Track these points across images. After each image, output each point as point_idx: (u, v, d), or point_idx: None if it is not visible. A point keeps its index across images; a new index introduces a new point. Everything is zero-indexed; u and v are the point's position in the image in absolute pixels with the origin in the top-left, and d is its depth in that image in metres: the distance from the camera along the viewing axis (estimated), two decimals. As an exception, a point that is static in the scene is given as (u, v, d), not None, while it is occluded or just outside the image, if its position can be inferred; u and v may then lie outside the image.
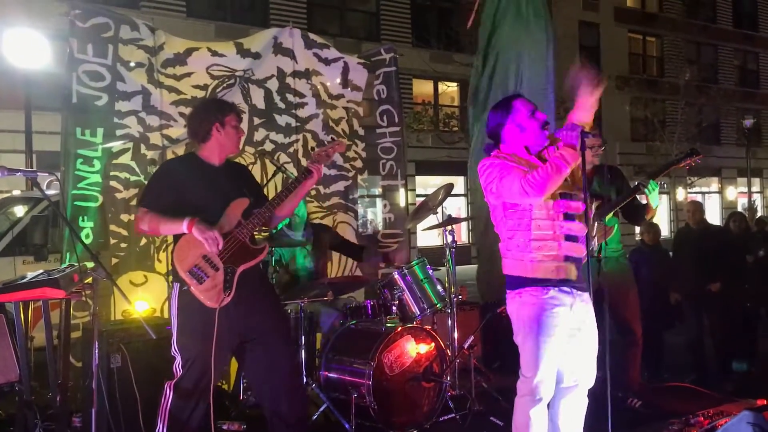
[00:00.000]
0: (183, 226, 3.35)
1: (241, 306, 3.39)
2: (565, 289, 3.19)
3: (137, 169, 5.20)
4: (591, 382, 3.36)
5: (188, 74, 5.52)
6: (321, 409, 4.42)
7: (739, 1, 32.41)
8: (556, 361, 3.21)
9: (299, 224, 5.08)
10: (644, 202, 4.58)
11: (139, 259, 5.19)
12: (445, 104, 24.35)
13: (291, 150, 6.09)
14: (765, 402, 3.84)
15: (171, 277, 4.49)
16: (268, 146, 5.97)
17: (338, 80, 6.44)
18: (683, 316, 6.92)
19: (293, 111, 6.15)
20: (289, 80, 6.12)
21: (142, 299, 4.79)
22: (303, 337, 4.54)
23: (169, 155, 5.22)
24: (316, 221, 5.90)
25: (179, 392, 3.36)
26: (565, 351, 3.23)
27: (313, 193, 6.24)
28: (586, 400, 3.39)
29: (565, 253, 3.18)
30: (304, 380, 4.44)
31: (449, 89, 24.24)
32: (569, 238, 3.19)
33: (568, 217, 3.20)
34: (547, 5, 6.74)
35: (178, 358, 3.39)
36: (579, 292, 3.23)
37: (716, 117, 29.97)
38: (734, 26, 32.10)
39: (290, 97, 6.13)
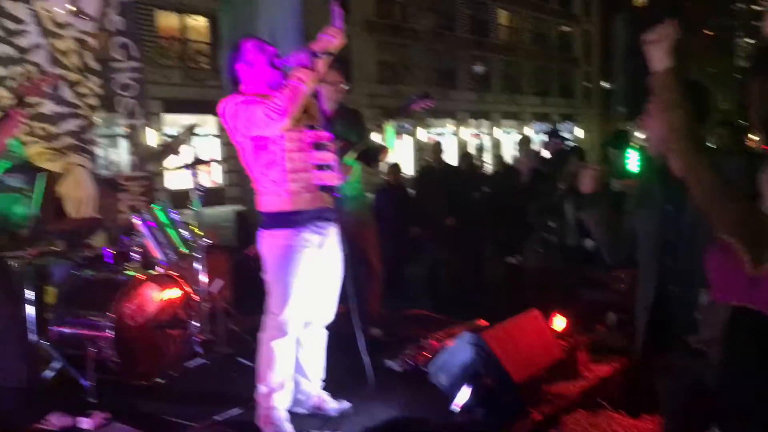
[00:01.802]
0: None
1: None
2: (318, 227, 3.30)
3: None
4: (331, 317, 3.52)
5: None
6: (55, 367, 4.10)
7: (473, -46, 34.78)
8: (303, 299, 3.30)
9: (16, 168, 4.56)
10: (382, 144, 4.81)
11: None
12: (194, 39, 23.26)
13: (12, 84, 5.41)
14: (485, 323, 4.29)
15: None
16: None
17: (65, 6, 5.80)
18: (422, 249, 7.51)
19: (11, 39, 5.44)
20: (6, 4, 5.39)
21: None
22: (29, 291, 4.13)
23: None
24: (46, 164, 5.34)
25: None
26: (310, 288, 3.32)
27: (41, 133, 5.63)
28: (325, 333, 3.56)
29: (319, 182, 3.28)
30: (35, 338, 4.08)
31: (198, 23, 23.15)
32: (322, 167, 3.29)
33: (319, 146, 3.30)
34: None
35: None
36: (328, 229, 3.36)
37: (452, 63, 32.31)
38: (468, -22, 34.48)
39: (6, 22, 5.41)
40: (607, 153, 6.70)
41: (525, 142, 8.01)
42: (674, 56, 2.17)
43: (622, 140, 6.57)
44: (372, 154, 4.88)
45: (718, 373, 1.98)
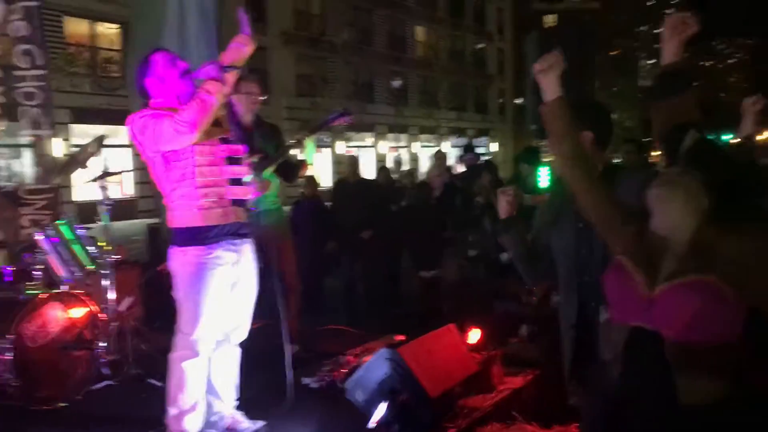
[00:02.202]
0: None
1: None
2: (232, 243, 3.24)
3: None
4: (244, 334, 3.46)
5: None
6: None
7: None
8: (215, 318, 3.22)
9: None
10: (301, 158, 4.78)
11: None
12: (104, 47, 22.50)
13: None
14: (402, 338, 4.30)
15: None
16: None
17: (-37, 11, 5.52)
18: (339, 263, 7.49)
19: None
20: None
21: None
22: None
23: None
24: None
25: None
26: (222, 306, 3.25)
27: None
28: (239, 351, 3.48)
29: (231, 197, 3.22)
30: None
31: (109, 31, 22.42)
32: (235, 181, 3.23)
33: (232, 160, 3.24)
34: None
35: None
36: (242, 245, 3.30)
37: (370, 77, 32.56)
38: (386, -7, 34.88)
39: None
40: (520, 168, 6.88)
41: (438, 157, 8.10)
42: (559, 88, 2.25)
43: (533, 156, 6.77)
44: (291, 169, 4.84)
45: (621, 389, 2.03)
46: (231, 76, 3.09)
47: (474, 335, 4.32)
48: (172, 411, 3.24)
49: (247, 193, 3.28)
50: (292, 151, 4.76)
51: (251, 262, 3.39)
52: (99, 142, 4.88)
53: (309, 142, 4.66)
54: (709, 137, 2.85)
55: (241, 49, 3.09)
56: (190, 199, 3.17)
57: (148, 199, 22.06)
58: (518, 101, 44.95)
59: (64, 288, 4.26)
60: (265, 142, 4.64)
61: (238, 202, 3.25)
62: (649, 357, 1.87)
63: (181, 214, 3.21)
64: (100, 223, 4.76)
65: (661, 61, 2.31)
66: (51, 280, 4.31)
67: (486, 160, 8.64)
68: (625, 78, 50.05)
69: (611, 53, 52.97)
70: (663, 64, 2.29)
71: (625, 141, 7.71)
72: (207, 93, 3.03)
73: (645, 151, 8.21)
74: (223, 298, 3.23)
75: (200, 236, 3.18)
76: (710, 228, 1.87)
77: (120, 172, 5.52)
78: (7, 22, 5.93)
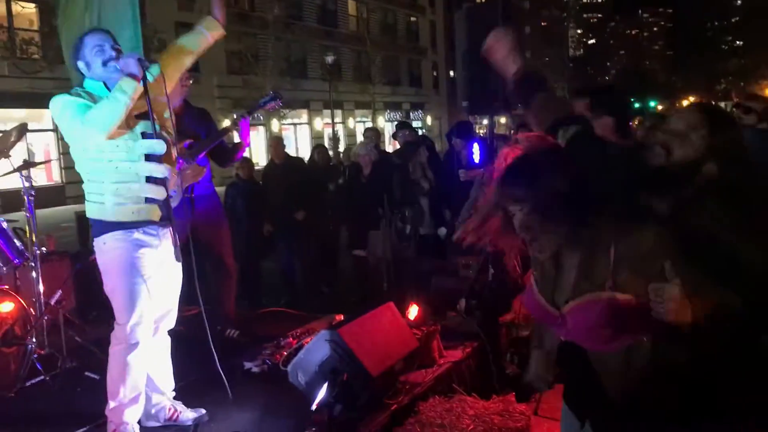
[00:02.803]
0: None
1: None
2: (150, 231, 3.18)
3: None
4: (172, 322, 3.43)
5: None
6: None
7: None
8: (148, 303, 3.18)
9: None
10: (236, 141, 4.70)
11: None
12: (22, 28, 21.52)
13: None
14: (342, 318, 4.32)
15: None
16: None
17: None
18: (276, 245, 7.44)
19: None
20: None
21: None
22: None
23: None
24: None
25: None
26: (151, 290, 3.21)
27: None
28: (169, 340, 3.46)
29: (146, 195, 3.13)
30: None
31: (26, 11, 21.44)
32: (150, 179, 3.13)
33: (151, 158, 3.13)
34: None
35: None
36: (163, 232, 3.23)
37: (303, 53, 32.14)
38: (315, -34, 34.39)
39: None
40: (452, 144, 6.94)
41: (365, 135, 7.97)
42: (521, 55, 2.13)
43: (465, 131, 6.83)
44: (226, 153, 4.77)
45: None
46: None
47: (413, 311, 4.38)
48: (111, 404, 3.20)
49: (162, 193, 3.14)
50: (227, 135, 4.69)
51: (171, 248, 3.24)
52: (21, 130, 4.68)
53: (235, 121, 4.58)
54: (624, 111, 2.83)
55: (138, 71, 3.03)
56: (103, 192, 3.11)
57: (76, 184, 21.25)
58: (452, 74, 45.25)
59: (-10, 284, 4.11)
60: (194, 126, 4.56)
61: (153, 201, 3.15)
62: (578, 362, 1.91)
63: (95, 207, 3.15)
64: (24, 213, 4.59)
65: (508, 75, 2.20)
66: (-25, 277, 4.15)
67: (422, 136, 8.67)
68: (555, 48, 50.95)
69: (542, 24, 53.82)
70: (510, 76, 2.19)
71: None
72: (121, 91, 2.95)
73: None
74: (150, 281, 3.18)
75: (116, 225, 3.13)
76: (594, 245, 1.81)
77: (43, 162, 5.33)
78: None
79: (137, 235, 3.14)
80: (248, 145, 4.67)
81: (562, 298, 1.87)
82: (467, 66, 4.81)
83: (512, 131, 11.46)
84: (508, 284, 4.50)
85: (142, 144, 3.11)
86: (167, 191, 3.14)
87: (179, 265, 3.29)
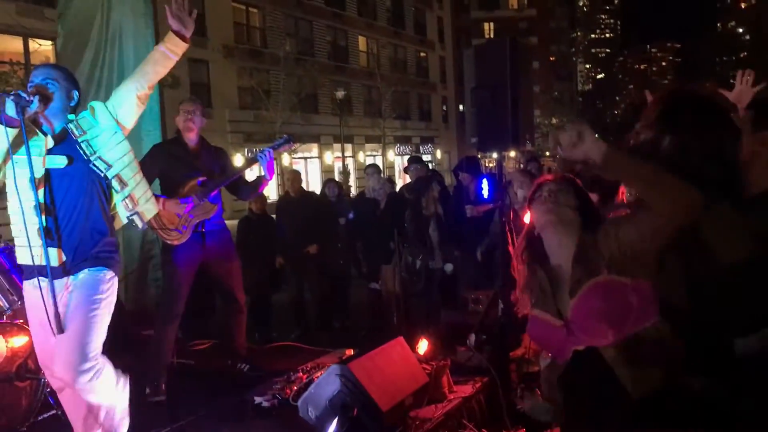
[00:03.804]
0: None
1: None
2: (43, 280, 2.97)
3: None
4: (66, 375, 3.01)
5: None
6: None
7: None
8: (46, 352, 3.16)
9: None
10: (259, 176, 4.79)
11: None
12: (39, 64, 21.95)
13: None
14: (351, 352, 4.33)
15: None
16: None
17: None
18: (287, 278, 7.47)
19: None
20: None
21: None
22: None
23: None
24: None
25: None
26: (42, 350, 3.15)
27: None
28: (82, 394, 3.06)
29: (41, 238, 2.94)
30: None
31: (43, 48, 21.86)
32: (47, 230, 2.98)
33: (41, 208, 2.95)
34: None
35: None
36: (66, 279, 3.07)
37: (314, 88, 32.56)
38: (326, 4, 34.93)
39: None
40: (459, 179, 6.99)
41: (369, 173, 8.00)
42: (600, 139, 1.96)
43: (473, 166, 6.88)
44: (248, 187, 4.86)
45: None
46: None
47: (422, 346, 4.38)
48: None
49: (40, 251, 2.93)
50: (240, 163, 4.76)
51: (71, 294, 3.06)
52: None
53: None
54: None
55: None
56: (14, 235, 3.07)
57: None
58: (461, 108, 45.60)
59: (5, 317, 4.15)
60: (210, 164, 4.63)
61: (52, 244, 2.99)
62: (591, 368, 1.95)
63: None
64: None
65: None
66: (-10, 310, 4.20)
67: (433, 170, 8.72)
68: (564, 83, 51.34)
69: (550, 59, 54.28)
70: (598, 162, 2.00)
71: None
72: None
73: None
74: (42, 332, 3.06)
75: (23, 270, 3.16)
76: (588, 235, 2.04)
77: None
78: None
79: (27, 285, 3.16)
80: (271, 179, 4.77)
81: (565, 303, 1.96)
82: (475, 103, 4.87)
83: (521, 165, 11.49)
84: (517, 319, 4.50)
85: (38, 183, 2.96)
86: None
87: (80, 315, 3.01)
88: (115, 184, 3.13)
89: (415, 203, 6.78)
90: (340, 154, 33.45)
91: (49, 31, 19.83)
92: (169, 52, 3.16)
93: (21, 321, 4.23)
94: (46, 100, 2.98)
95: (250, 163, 4.81)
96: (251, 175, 5.25)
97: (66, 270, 3.05)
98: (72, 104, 3.15)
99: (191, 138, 4.60)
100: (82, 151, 3.05)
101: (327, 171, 33.84)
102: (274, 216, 7.69)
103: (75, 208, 3.05)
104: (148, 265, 6.16)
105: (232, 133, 27.90)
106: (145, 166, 4.67)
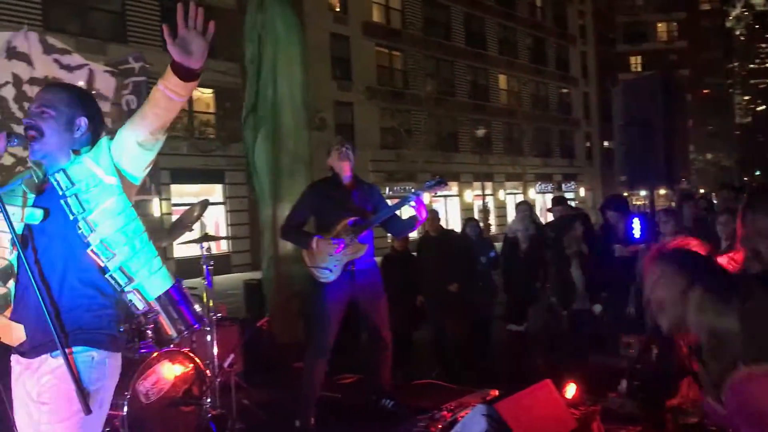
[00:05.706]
0: None
1: None
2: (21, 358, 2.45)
3: None
4: None
5: None
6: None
7: (469, 20, 35.71)
8: None
9: None
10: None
11: None
12: (200, 111, 23.78)
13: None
14: (496, 393, 4.29)
15: None
16: (7, 160, 5.41)
17: (82, 86, 6.04)
18: (428, 316, 7.53)
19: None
20: (26, 87, 5.62)
21: None
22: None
23: None
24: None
25: None
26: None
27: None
28: None
29: (11, 314, 2.47)
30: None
31: (204, 96, 23.71)
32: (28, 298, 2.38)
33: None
34: (299, 18, 7.01)
35: None
36: (35, 360, 2.39)
37: (454, 127, 32.86)
38: (466, 44, 35.35)
39: (29, 105, 5.65)
40: (607, 217, 6.77)
41: (520, 210, 7.90)
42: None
43: (620, 205, 6.65)
44: (403, 225, 4.92)
45: None
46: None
47: (570, 390, 4.26)
48: None
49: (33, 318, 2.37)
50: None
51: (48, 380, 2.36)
52: (203, 206, 5.17)
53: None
54: None
55: None
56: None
57: (242, 254, 22.89)
58: (606, 144, 44.20)
59: (172, 346, 4.49)
60: (362, 203, 4.78)
61: (25, 318, 2.40)
62: None
63: None
64: (201, 281, 5.03)
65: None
66: (161, 338, 4.55)
67: (577, 209, 8.53)
68: (720, 116, 48.49)
69: (704, 92, 51.56)
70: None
71: (721, 186, 7.47)
72: None
73: (740, 193, 7.91)
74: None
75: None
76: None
77: (221, 238, 5.82)
78: (120, 96, 6.45)
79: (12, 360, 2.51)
80: (423, 220, 4.84)
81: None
82: (625, 140, 4.75)
83: (673, 203, 10.95)
84: (674, 365, 4.27)
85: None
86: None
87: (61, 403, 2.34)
88: (100, 252, 2.39)
89: (557, 243, 6.65)
90: (480, 192, 33.35)
91: (210, 80, 21.48)
92: (169, 92, 2.32)
93: (187, 349, 4.57)
94: (33, 135, 2.42)
95: (401, 203, 4.78)
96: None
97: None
98: (77, 135, 2.51)
99: (346, 175, 4.77)
100: (66, 207, 2.38)
101: (466, 209, 33.82)
102: (414, 254, 7.81)
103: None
104: (294, 300, 6.44)
105: (374, 173, 28.66)
106: (298, 206, 4.96)
